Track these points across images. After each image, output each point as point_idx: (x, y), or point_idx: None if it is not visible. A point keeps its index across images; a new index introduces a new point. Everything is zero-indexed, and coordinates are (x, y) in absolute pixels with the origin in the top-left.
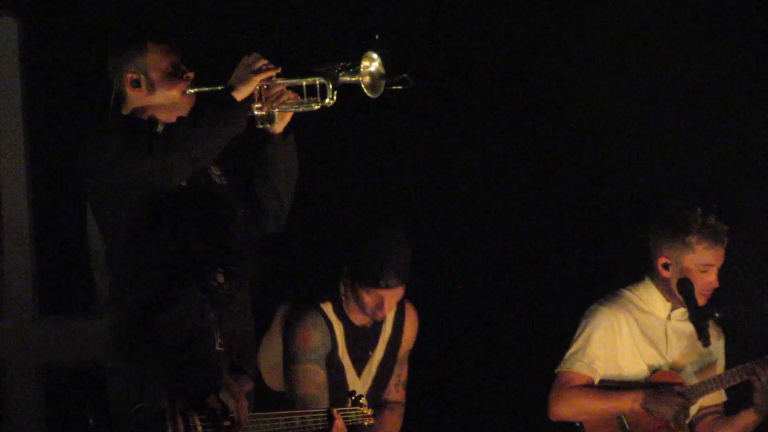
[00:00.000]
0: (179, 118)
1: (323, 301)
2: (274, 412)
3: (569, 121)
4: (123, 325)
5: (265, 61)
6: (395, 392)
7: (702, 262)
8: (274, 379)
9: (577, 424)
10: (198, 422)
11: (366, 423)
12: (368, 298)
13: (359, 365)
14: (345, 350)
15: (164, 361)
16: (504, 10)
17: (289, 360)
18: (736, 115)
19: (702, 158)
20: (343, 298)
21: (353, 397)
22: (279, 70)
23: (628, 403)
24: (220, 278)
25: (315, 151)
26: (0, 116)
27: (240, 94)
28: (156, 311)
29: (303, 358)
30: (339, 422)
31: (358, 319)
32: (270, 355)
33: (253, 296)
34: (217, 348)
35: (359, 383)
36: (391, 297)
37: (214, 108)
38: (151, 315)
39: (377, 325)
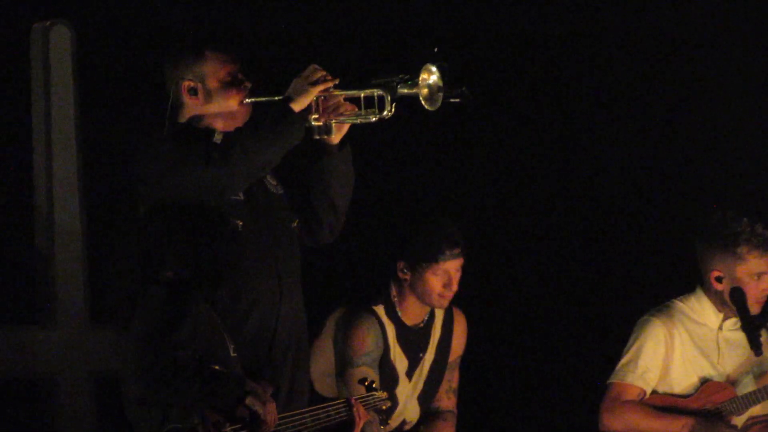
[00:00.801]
0: (236, 129)
1: (375, 303)
2: (300, 410)
3: (621, 135)
4: (141, 352)
5: (323, 73)
6: (446, 399)
7: (755, 270)
8: (325, 386)
9: None
10: None
11: (384, 407)
12: (434, 279)
13: (411, 367)
14: (397, 352)
15: (187, 381)
16: (562, 22)
17: (345, 363)
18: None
19: (745, 165)
20: (395, 300)
21: (366, 383)
22: (337, 81)
23: (679, 427)
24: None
25: (366, 158)
26: (53, 125)
27: (298, 106)
28: (167, 332)
29: (359, 361)
30: (359, 408)
31: (410, 319)
32: (321, 362)
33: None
34: (232, 354)
35: (410, 386)
36: (456, 269)
37: (272, 119)
38: (164, 336)
39: (428, 327)
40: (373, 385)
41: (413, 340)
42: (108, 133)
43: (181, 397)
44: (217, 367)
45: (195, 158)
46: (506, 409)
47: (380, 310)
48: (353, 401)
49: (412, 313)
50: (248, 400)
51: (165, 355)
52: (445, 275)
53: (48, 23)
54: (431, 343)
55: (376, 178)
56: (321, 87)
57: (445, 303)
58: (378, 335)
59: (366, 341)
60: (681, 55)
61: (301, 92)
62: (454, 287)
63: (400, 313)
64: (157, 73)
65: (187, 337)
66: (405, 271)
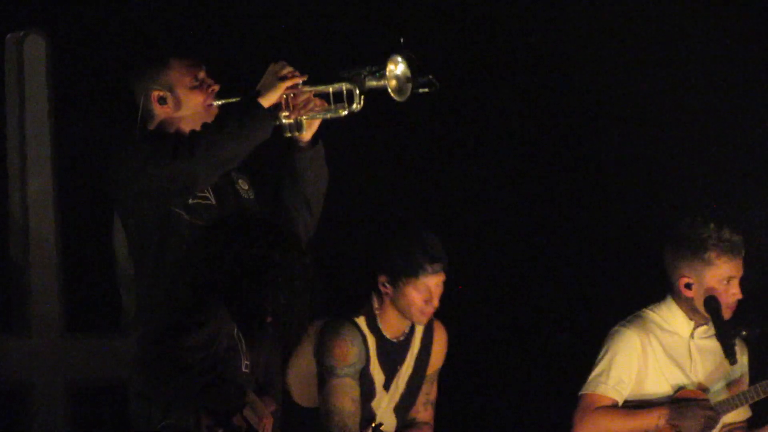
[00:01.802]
0: (204, 124)
1: (357, 315)
2: None
3: (591, 144)
4: (148, 347)
5: (291, 69)
6: (423, 411)
7: (724, 275)
8: (303, 396)
9: None
10: None
11: None
12: (416, 293)
13: (388, 379)
14: (376, 364)
15: (188, 384)
16: (528, 10)
17: (326, 374)
18: (743, 128)
19: (711, 172)
20: (377, 312)
21: (373, 425)
22: (305, 78)
23: (654, 420)
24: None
25: (346, 162)
26: (28, 134)
27: (266, 101)
28: (183, 333)
29: (341, 372)
30: None
31: (391, 332)
32: (300, 372)
33: None
34: (243, 370)
35: (387, 398)
36: (437, 285)
37: (240, 113)
38: (177, 337)
39: (407, 341)
40: (381, 428)
41: (392, 352)
42: (82, 143)
43: (180, 395)
44: (224, 377)
45: (163, 153)
46: (483, 420)
47: (362, 321)
48: None
49: (393, 326)
50: (246, 411)
51: (172, 354)
52: (426, 291)
53: (22, 33)
54: (409, 355)
55: (357, 184)
56: (289, 83)
57: (425, 319)
58: (361, 347)
59: (350, 352)
60: (651, 61)
61: (270, 87)
62: (435, 303)
63: (381, 326)
64: (128, 82)
65: (202, 343)
66: (386, 285)
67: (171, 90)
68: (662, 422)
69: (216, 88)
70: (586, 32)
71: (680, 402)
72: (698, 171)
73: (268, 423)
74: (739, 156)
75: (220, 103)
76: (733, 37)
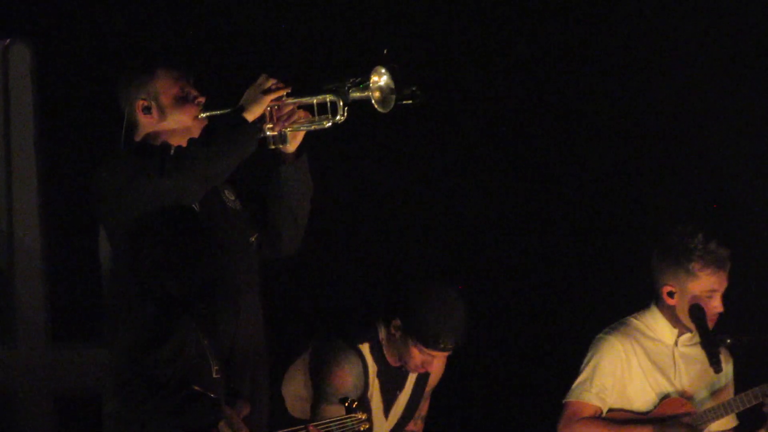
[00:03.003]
0: (190, 139)
1: (361, 341)
2: None
3: (575, 152)
4: (120, 368)
5: (274, 81)
6: (413, 425)
7: (706, 288)
8: (297, 408)
9: None
10: None
11: (362, 428)
12: (419, 355)
13: (387, 405)
14: (376, 391)
15: (163, 401)
16: (512, 20)
17: (320, 397)
18: (738, 141)
19: (704, 182)
20: (383, 342)
21: (347, 404)
22: (289, 89)
23: None
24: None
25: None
26: (13, 143)
27: (251, 115)
28: (150, 349)
29: (334, 398)
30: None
31: (394, 361)
32: (296, 386)
33: (277, 316)
34: (214, 376)
35: (386, 424)
36: (440, 358)
37: (225, 129)
38: (145, 354)
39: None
40: (354, 406)
41: (393, 378)
42: (67, 152)
43: (155, 415)
44: (197, 388)
45: (150, 170)
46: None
47: (365, 348)
48: (311, 428)
49: (397, 358)
50: (221, 425)
51: (144, 372)
52: (429, 358)
53: (7, 42)
54: (409, 381)
55: (357, 207)
56: (273, 95)
57: (419, 372)
58: (360, 377)
59: (346, 381)
60: (637, 68)
61: (254, 101)
62: (430, 370)
63: (385, 354)
64: (114, 92)
65: (171, 356)
66: (397, 329)
67: (156, 100)
68: None
69: (202, 100)
70: (570, 43)
71: (664, 420)
72: (691, 179)
73: None
74: (733, 162)
75: (206, 115)
76: (725, 43)
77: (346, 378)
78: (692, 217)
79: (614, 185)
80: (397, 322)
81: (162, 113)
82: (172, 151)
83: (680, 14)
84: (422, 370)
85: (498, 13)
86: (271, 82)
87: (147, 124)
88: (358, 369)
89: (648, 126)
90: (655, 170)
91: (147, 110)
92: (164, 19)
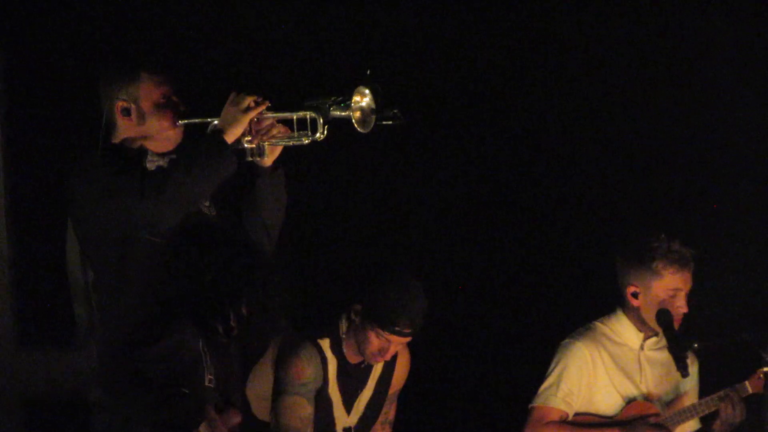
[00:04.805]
0: (171, 161)
1: (321, 336)
2: None
3: (539, 154)
4: (109, 358)
5: (252, 98)
6: (381, 429)
7: (670, 287)
8: (261, 410)
9: None
10: None
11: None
12: (375, 340)
13: (348, 402)
14: (335, 386)
15: (148, 395)
16: (492, 43)
17: (278, 390)
18: (699, 143)
19: (667, 184)
20: (343, 336)
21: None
22: (268, 104)
23: None
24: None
25: (319, 182)
26: None
27: (231, 136)
28: (144, 345)
29: (292, 390)
30: None
31: (353, 357)
32: (260, 385)
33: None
34: (206, 384)
35: (348, 419)
36: (397, 344)
37: (206, 153)
38: (137, 349)
39: (369, 365)
40: None
41: (354, 376)
42: (35, 156)
43: (138, 407)
44: (184, 390)
45: (129, 190)
46: None
47: (325, 343)
48: None
49: (356, 351)
50: (202, 427)
51: (131, 365)
52: (386, 343)
53: None
54: (371, 379)
55: (329, 204)
56: (253, 113)
57: (375, 362)
58: (318, 368)
59: (305, 372)
60: (606, 72)
61: (233, 122)
62: (388, 357)
63: (345, 350)
64: (86, 96)
65: (162, 354)
66: (356, 315)
67: (136, 103)
68: None
69: (183, 108)
70: (537, 52)
71: (630, 422)
72: (655, 182)
73: None
74: (699, 168)
75: (185, 122)
76: (702, 48)
77: (303, 369)
78: (657, 220)
79: (579, 189)
80: (358, 307)
81: (141, 117)
82: (149, 162)
83: (631, 20)
84: (380, 359)
85: (483, 36)
86: (248, 100)
87: (125, 126)
88: (317, 361)
89: (612, 129)
90: (619, 174)
91: (126, 112)
92: (152, 22)
